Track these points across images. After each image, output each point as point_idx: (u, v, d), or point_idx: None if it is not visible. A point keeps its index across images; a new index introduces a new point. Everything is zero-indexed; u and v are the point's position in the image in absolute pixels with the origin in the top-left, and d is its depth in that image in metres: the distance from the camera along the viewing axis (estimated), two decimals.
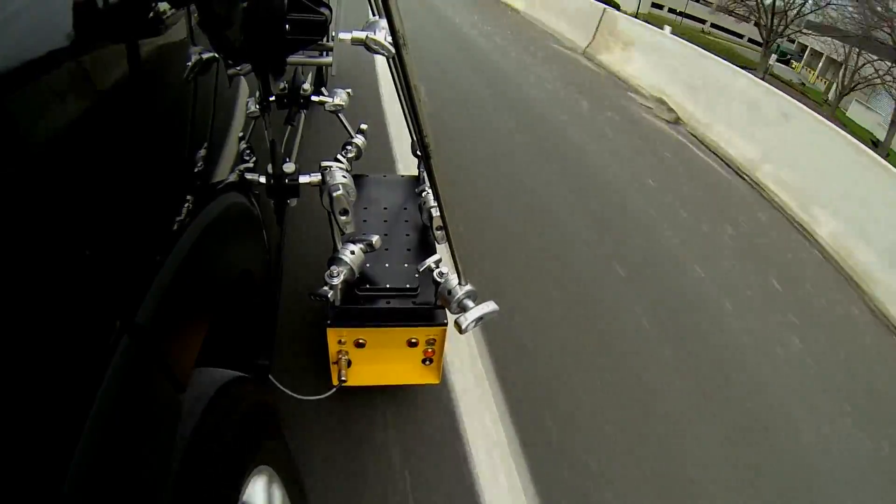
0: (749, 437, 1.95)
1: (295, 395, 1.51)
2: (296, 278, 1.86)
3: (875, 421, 2.19)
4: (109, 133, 0.54)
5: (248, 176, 1.08)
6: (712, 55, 5.18)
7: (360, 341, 1.45)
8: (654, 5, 33.38)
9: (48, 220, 0.43)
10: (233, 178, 0.99)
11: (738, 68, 4.88)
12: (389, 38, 0.94)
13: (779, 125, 4.18)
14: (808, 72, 29.01)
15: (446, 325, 1.45)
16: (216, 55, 0.87)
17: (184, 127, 0.76)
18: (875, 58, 19.50)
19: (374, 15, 1.46)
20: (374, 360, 1.50)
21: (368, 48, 1.18)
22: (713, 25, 33.06)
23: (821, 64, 27.48)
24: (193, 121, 0.79)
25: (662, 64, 5.64)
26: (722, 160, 4.41)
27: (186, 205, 0.72)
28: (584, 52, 6.83)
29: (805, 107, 4.19)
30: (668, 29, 6.10)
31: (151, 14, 0.65)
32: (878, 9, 18.33)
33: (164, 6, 0.68)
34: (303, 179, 1.24)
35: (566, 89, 5.39)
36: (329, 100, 1.65)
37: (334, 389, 1.49)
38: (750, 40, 30.45)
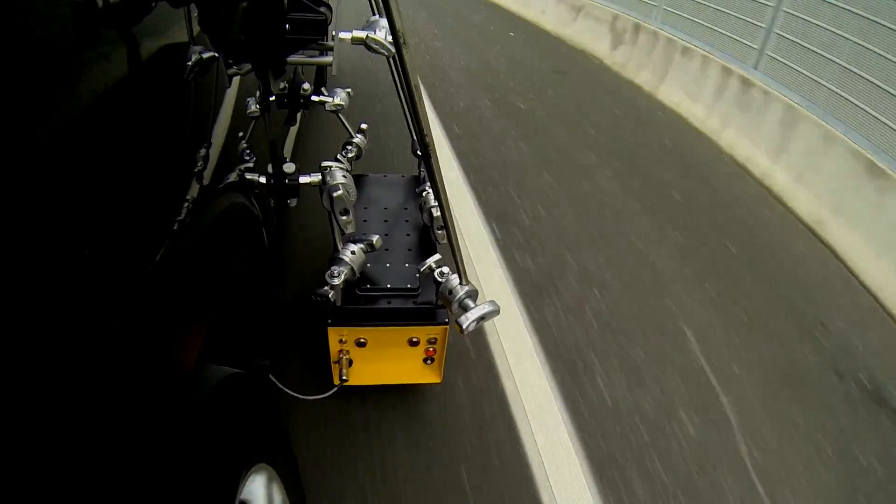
0: None
1: (296, 394, 1.51)
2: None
3: None
4: (110, 133, 0.54)
5: (248, 176, 1.08)
6: None
7: (361, 340, 1.45)
8: None
9: (48, 221, 0.43)
10: (233, 178, 0.99)
11: None
12: (389, 38, 0.93)
13: None
14: None
15: (447, 324, 1.45)
16: (216, 55, 0.87)
17: (184, 127, 0.76)
18: None
19: (374, 14, 1.46)
20: (376, 360, 1.49)
21: (369, 47, 1.18)
22: None
23: None
24: (193, 121, 0.79)
25: None
26: None
27: (187, 205, 0.72)
28: None
29: None
30: None
31: (151, 14, 0.65)
32: None
33: (164, 6, 0.68)
34: (303, 179, 1.24)
35: None
36: (329, 100, 1.65)
37: (335, 389, 1.49)
38: None
